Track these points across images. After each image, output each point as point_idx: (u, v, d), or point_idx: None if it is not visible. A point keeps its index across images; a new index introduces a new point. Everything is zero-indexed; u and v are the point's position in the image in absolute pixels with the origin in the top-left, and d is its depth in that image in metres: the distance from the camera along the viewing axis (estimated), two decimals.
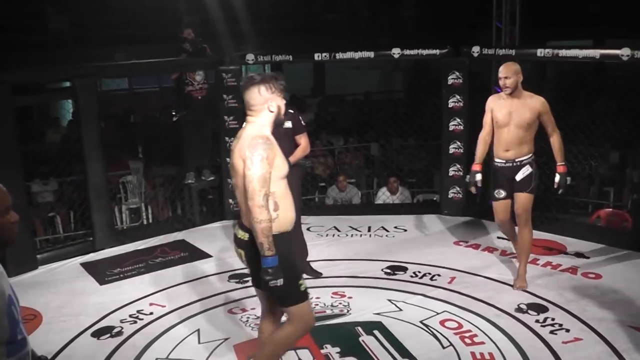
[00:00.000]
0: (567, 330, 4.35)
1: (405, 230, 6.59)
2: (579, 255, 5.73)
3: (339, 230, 6.58)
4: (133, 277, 5.62)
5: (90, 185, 6.18)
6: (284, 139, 5.10)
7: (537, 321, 4.49)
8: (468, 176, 5.19)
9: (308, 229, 6.34)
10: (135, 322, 4.71)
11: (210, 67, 6.96)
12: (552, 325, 4.44)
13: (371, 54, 6.88)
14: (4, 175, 5.45)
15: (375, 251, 5.99)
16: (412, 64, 12.71)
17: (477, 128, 5.14)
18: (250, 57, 6.97)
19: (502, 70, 4.70)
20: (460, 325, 4.45)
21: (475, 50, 6.57)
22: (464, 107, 6.76)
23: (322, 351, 4.13)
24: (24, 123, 9.30)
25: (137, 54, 8.75)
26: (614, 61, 5.93)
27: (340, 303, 4.83)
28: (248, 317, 4.67)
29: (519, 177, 4.76)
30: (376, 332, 4.37)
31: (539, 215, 6.40)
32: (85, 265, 5.96)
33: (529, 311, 4.64)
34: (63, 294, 5.29)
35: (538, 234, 6.10)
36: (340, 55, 6.86)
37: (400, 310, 4.70)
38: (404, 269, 5.53)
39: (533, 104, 4.70)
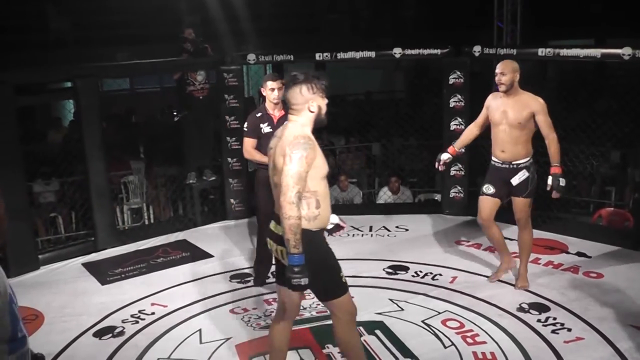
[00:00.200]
0: (569, 330, 4.35)
1: (407, 230, 6.59)
2: (580, 254, 5.73)
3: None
4: (135, 277, 5.62)
5: (91, 186, 6.19)
6: None
7: (538, 321, 4.49)
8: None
9: None
10: (137, 322, 4.71)
11: (212, 67, 6.96)
12: (554, 324, 4.43)
13: (372, 54, 6.88)
14: (5, 175, 5.47)
15: (376, 251, 5.99)
16: (413, 63, 12.72)
17: None
18: (251, 56, 6.97)
19: (499, 66, 4.67)
20: (462, 325, 4.45)
21: (477, 49, 6.57)
22: (465, 107, 6.75)
23: (324, 351, 4.12)
24: (25, 123, 9.32)
25: (138, 54, 8.76)
26: (615, 60, 5.92)
27: None
28: (250, 317, 4.68)
29: (515, 181, 4.70)
30: (378, 331, 4.37)
31: (540, 214, 6.40)
32: (87, 265, 5.96)
33: (531, 311, 4.64)
34: (65, 294, 5.30)
35: (540, 233, 6.11)
36: (341, 55, 6.86)
37: (402, 309, 4.70)
38: (406, 269, 5.53)
39: (528, 103, 4.61)
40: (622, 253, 5.73)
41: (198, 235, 6.67)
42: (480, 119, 4.97)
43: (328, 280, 3.23)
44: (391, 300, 4.88)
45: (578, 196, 7.86)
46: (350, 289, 4.51)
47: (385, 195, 7.73)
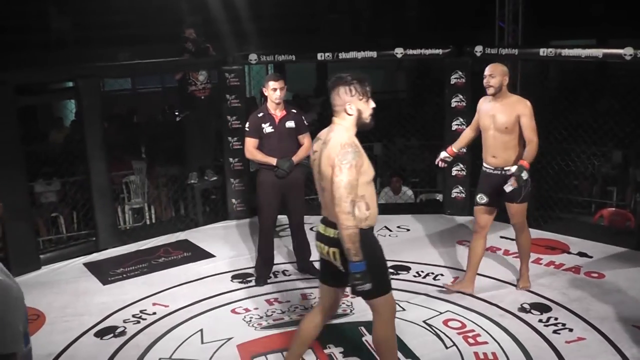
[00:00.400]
0: (571, 330, 4.35)
1: (408, 230, 6.59)
2: (582, 254, 5.72)
3: None
4: (136, 277, 5.62)
5: (93, 186, 6.19)
6: (287, 138, 5.12)
7: (540, 321, 4.49)
8: None
9: (311, 229, 6.30)
10: (139, 322, 4.71)
11: (213, 67, 6.96)
12: (556, 324, 4.43)
13: (374, 54, 6.87)
14: (7, 175, 5.48)
15: None
16: (415, 63, 12.69)
17: None
18: (253, 56, 6.97)
19: (488, 69, 4.60)
20: (464, 325, 4.45)
21: (478, 49, 6.57)
22: (467, 107, 6.74)
23: (326, 351, 4.13)
24: (27, 123, 9.33)
25: (140, 54, 8.77)
26: (617, 60, 5.90)
27: (343, 303, 4.82)
28: (251, 317, 4.68)
29: (508, 188, 4.49)
30: None
31: (542, 214, 6.41)
32: (88, 265, 5.96)
33: (532, 311, 4.64)
34: (66, 294, 5.30)
35: (541, 233, 6.11)
36: (343, 55, 6.85)
37: (404, 310, 4.69)
38: (407, 269, 5.53)
39: (515, 106, 4.55)
40: (623, 253, 5.72)
41: (199, 235, 6.67)
42: (474, 122, 4.92)
43: (377, 278, 3.23)
44: None
45: (579, 196, 7.85)
46: None
47: (386, 195, 7.73)
